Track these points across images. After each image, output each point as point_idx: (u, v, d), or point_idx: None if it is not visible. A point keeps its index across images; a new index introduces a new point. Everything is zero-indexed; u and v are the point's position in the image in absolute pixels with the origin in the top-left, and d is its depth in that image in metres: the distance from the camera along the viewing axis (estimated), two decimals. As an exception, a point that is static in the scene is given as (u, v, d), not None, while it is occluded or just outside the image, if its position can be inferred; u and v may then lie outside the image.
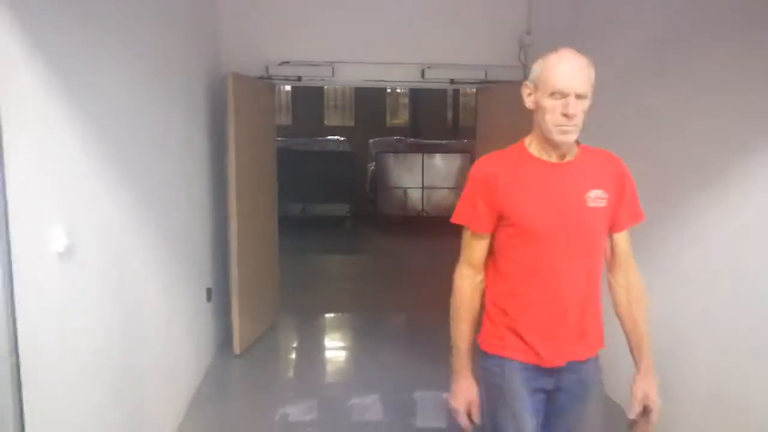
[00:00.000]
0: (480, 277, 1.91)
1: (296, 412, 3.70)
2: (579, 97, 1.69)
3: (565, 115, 1.69)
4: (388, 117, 15.83)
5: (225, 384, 4.11)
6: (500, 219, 1.82)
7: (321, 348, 5.07)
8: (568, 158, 1.82)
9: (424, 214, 10.51)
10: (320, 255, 8.35)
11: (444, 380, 1.99)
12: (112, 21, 2.43)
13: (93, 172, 2.16)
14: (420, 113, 15.55)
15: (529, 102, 1.81)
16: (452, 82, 5.25)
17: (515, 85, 5.15)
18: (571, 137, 1.75)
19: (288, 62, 5.05)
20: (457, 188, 10.20)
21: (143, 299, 2.75)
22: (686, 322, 3.07)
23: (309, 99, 14.30)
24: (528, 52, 5.10)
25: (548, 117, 1.72)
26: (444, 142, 12.14)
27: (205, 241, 4.25)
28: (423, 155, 10.68)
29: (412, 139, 12.72)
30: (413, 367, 4.46)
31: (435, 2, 5.05)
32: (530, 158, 1.83)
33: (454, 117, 15.80)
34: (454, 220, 1.92)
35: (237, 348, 4.43)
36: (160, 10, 3.22)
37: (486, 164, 1.88)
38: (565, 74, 1.69)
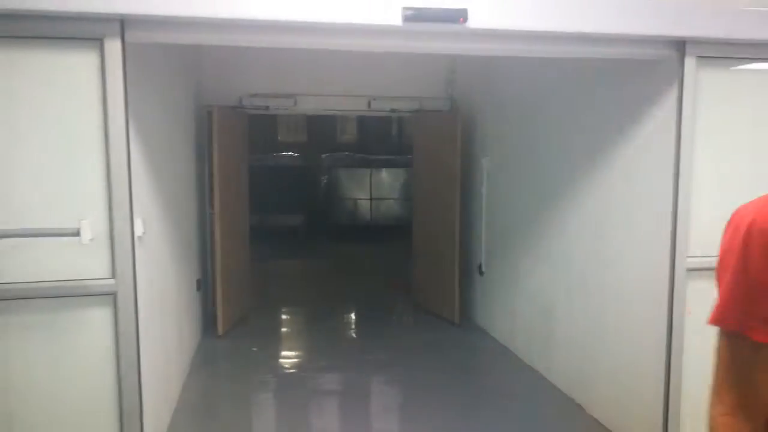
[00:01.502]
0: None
1: (269, 374, 4.74)
2: None
3: None
4: (338, 134, 16.90)
5: (213, 356, 5.08)
6: None
7: (287, 328, 6.11)
8: None
9: (373, 223, 11.61)
10: (279, 260, 9.32)
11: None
12: (159, 89, 3.44)
13: (147, 187, 3.16)
14: (368, 130, 16.68)
15: None
16: (393, 111, 6.43)
17: (443, 113, 6.41)
18: None
19: (257, 94, 6.10)
20: (401, 199, 11.36)
21: (169, 278, 3.75)
22: (556, 291, 4.31)
23: (263, 116, 15.22)
24: (453, 86, 6.34)
25: None
26: (389, 157, 13.29)
27: (193, 239, 5.21)
28: (371, 169, 11.78)
29: (361, 155, 13.80)
30: (365, 337, 5.60)
31: (378, 46, 6.21)
32: None
33: (398, 134, 17.02)
34: (716, 321, 1.18)
35: (220, 330, 5.40)
36: (172, 67, 4.24)
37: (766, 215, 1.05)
38: None
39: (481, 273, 5.77)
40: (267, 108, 6.20)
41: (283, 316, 6.52)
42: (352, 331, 6.08)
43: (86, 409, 2.53)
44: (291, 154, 13.35)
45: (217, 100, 5.68)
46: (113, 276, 2.45)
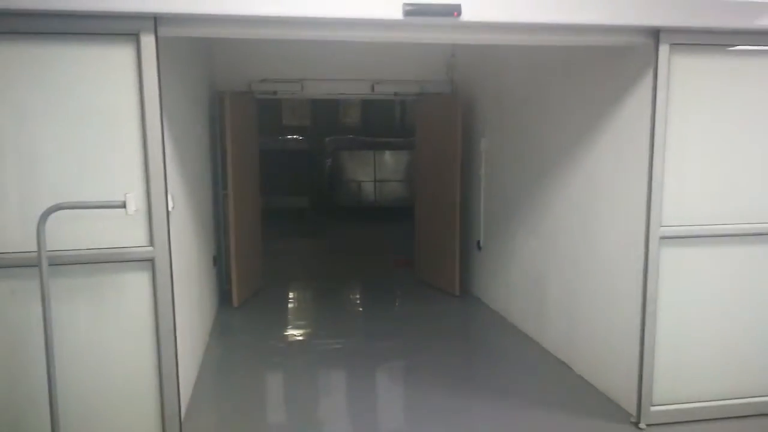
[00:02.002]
0: None
1: (281, 340, 5.13)
2: None
3: None
4: (341, 117, 17.14)
5: (230, 324, 5.47)
6: None
7: (295, 301, 6.49)
8: None
9: (376, 204, 11.91)
10: (287, 240, 9.67)
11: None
12: (181, 77, 3.77)
13: (174, 168, 3.49)
14: (370, 114, 16.91)
15: None
16: (396, 94, 6.73)
17: (444, 96, 6.73)
18: None
19: (266, 80, 6.40)
20: (404, 181, 11.64)
21: (192, 251, 4.10)
22: (547, 262, 4.65)
23: (268, 101, 15.46)
24: (453, 70, 6.63)
25: None
26: (393, 139, 13.55)
27: (208, 218, 5.56)
28: (374, 152, 12.04)
29: (364, 138, 14.04)
30: (370, 308, 5.98)
31: (381, 33, 6.49)
32: None
33: (401, 116, 17.25)
34: None
35: (236, 302, 5.79)
36: (190, 56, 4.54)
37: None
38: None
39: (479, 248, 6.11)
40: (275, 93, 6.51)
41: (293, 290, 6.89)
42: (358, 302, 6.45)
43: (128, 361, 2.90)
44: (296, 138, 13.63)
45: (228, 86, 5.99)
46: (151, 244, 2.80)
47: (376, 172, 11.97)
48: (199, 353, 4.39)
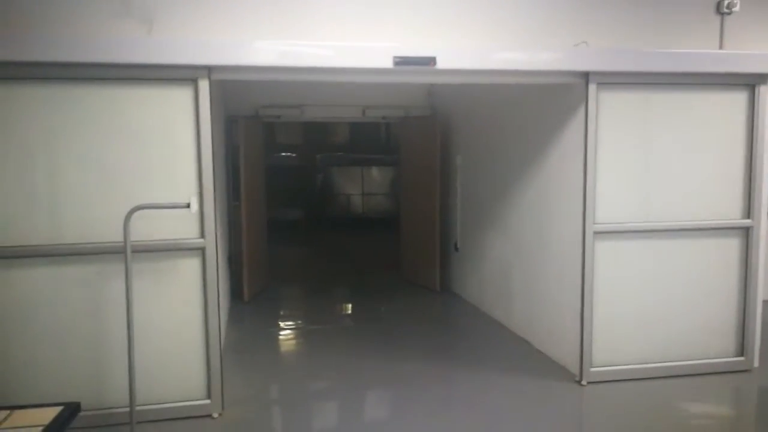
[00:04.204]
0: None
1: (285, 327, 6.02)
2: None
3: None
4: (331, 136, 18.08)
5: (242, 316, 6.33)
6: None
7: (297, 297, 7.38)
8: None
9: (364, 216, 12.83)
10: (284, 247, 10.52)
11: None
12: (216, 107, 4.67)
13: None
14: (358, 132, 17.85)
15: None
16: (383, 117, 7.69)
17: (425, 119, 7.75)
18: None
19: (271, 105, 7.32)
20: (389, 194, 12.57)
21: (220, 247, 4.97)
22: (512, 258, 5.59)
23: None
24: (433, 96, 7.60)
25: None
26: (379, 156, 14.46)
27: (226, 224, 6.42)
28: (362, 168, 13.00)
29: (353, 154, 14.95)
30: (361, 302, 6.88)
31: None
32: None
33: (386, 135, 18.21)
34: None
35: (246, 297, 6.65)
36: (217, 89, 5.43)
37: None
38: None
39: (456, 249, 7.04)
40: (279, 117, 7.42)
41: (294, 288, 7.80)
42: (351, 298, 7.35)
43: (183, 324, 3.77)
44: (289, 155, 14.52)
45: (238, 111, 6.90)
46: (202, 236, 3.69)
47: (363, 186, 12.90)
48: (222, 336, 5.24)
